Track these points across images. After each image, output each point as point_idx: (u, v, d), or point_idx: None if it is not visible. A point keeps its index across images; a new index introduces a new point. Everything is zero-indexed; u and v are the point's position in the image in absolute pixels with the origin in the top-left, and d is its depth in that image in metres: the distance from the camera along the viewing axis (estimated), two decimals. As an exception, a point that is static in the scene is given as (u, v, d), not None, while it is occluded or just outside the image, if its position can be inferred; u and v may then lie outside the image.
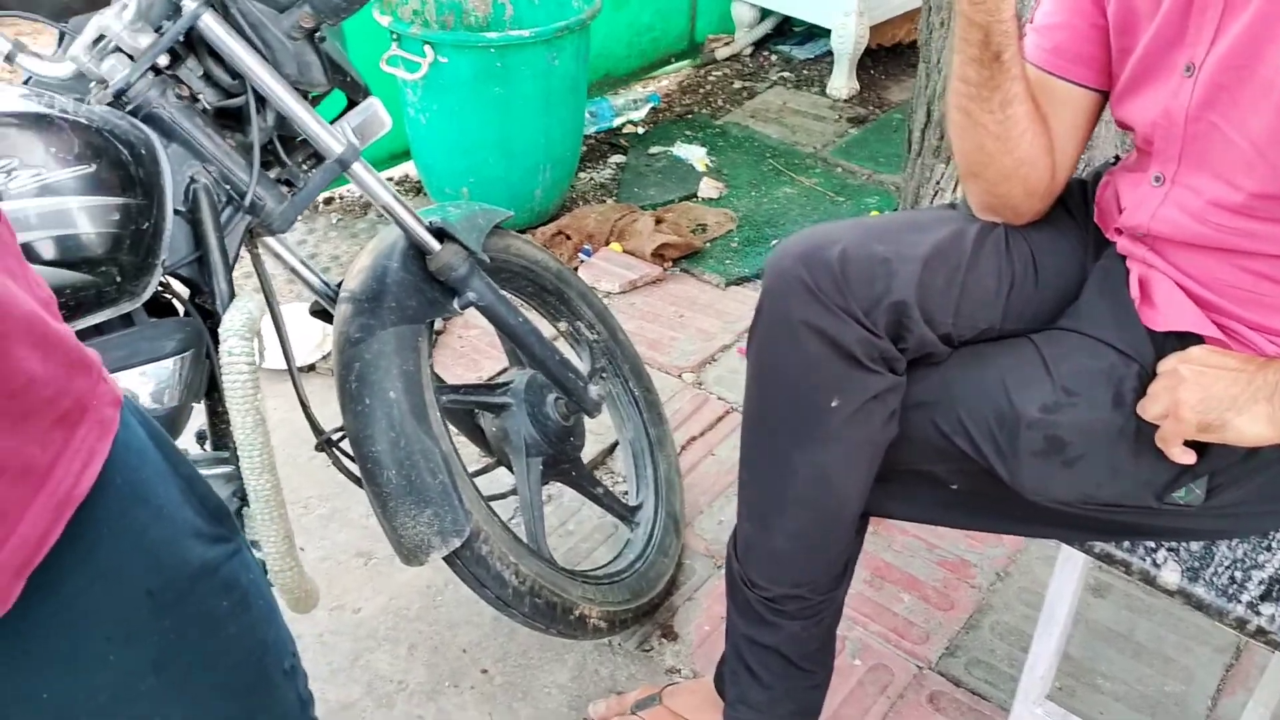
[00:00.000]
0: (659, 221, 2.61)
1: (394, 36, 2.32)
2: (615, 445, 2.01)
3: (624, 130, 3.13)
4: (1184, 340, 1.04)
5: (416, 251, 1.44)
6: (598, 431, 2.02)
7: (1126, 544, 1.12)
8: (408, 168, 2.81)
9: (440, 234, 1.44)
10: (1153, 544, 1.11)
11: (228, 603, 0.69)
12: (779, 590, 1.18)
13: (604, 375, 1.86)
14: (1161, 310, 1.07)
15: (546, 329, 1.82)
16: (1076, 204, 1.22)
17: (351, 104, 1.37)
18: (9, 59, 1.17)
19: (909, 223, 1.16)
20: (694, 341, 2.31)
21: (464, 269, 1.43)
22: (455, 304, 1.46)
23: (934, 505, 1.20)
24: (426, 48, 2.27)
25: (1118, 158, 1.25)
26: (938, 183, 2.32)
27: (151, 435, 0.67)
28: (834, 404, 1.09)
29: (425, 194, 2.70)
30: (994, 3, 0.99)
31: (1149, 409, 1.02)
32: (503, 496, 1.69)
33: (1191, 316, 1.05)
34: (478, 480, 1.64)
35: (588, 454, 2.00)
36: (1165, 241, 1.08)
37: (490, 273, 1.54)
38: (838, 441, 1.10)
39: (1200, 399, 0.97)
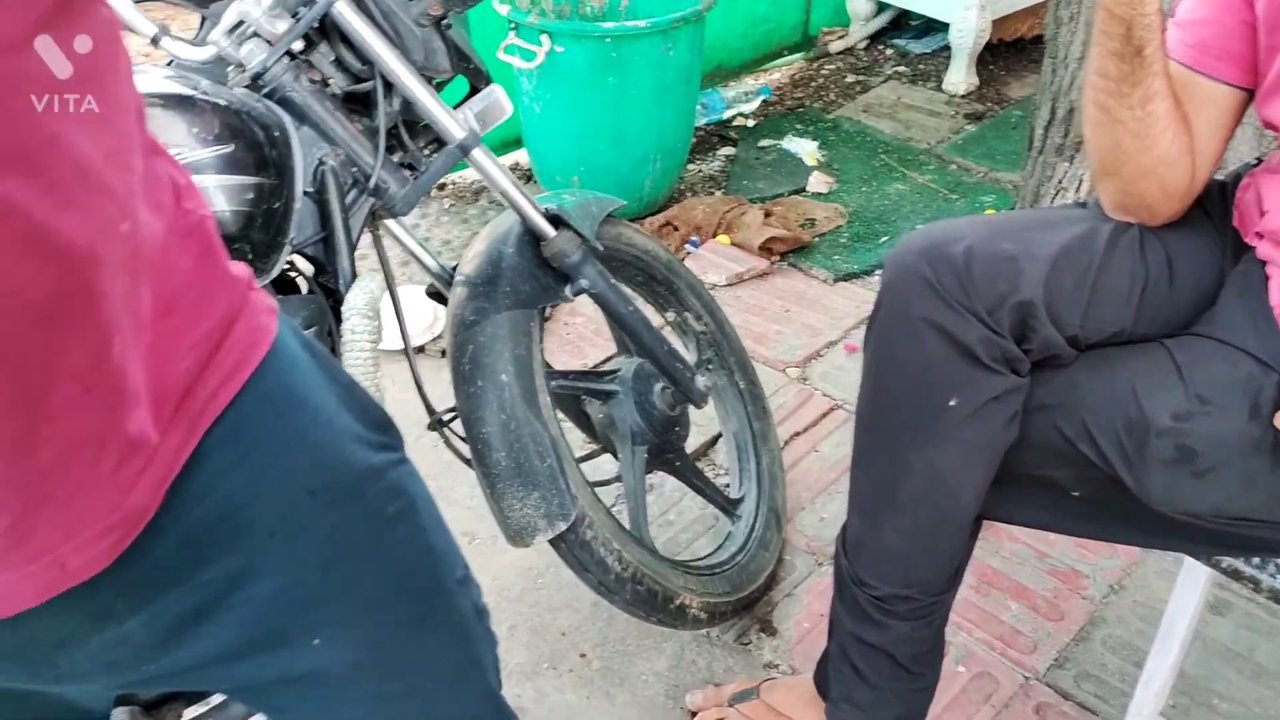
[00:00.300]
0: (767, 214, 2.59)
1: (511, 25, 2.35)
2: (718, 437, 2.01)
3: (734, 122, 3.12)
4: (1329, 351, 1.00)
5: (531, 237, 1.45)
6: (700, 423, 2.02)
7: (1256, 560, 1.07)
8: (519, 155, 2.85)
9: (555, 220, 1.45)
10: (1286, 562, 1.07)
11: (394, 507, 0.70)
12: (889, 590, 1.16)
13: (710, 367, 1.86)
14: (1306, 319, 1.02)
15: (654, 319, 1.83)
16: (1215, 206, 1.17)
17: (474, 90, 1.39)
18: (155, 41, 1.21)
19: (1037, 221, 1.13)
20: (800, 336, 2.29)
21: (577, 256, 1.44)
22: (568, 290, 1.47)
23: (1052, 511, 1.17)
24: (543, 37, 2.30)
25: (1260, 159, 1.19)
26: (1059, 182, 2.26)
27: (304, 345, 0.68)
28: (952, 403, 1.07)
29: (536, 181, 2.73)
30: None
31: (1290, 422, 0.97)
32: (606, 483, 1.70)
33: (1339, 326, 1.00)
34: (582, 466, 1.67)
35: (690, 445, 2.00)
36: (1312, 247, 1.03)
37: (602, 261, 1.55)
38: (955, 442, 1.08)
39: (1348, 413, 0.92)
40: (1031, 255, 1.06)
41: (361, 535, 0.68)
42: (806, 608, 1.70)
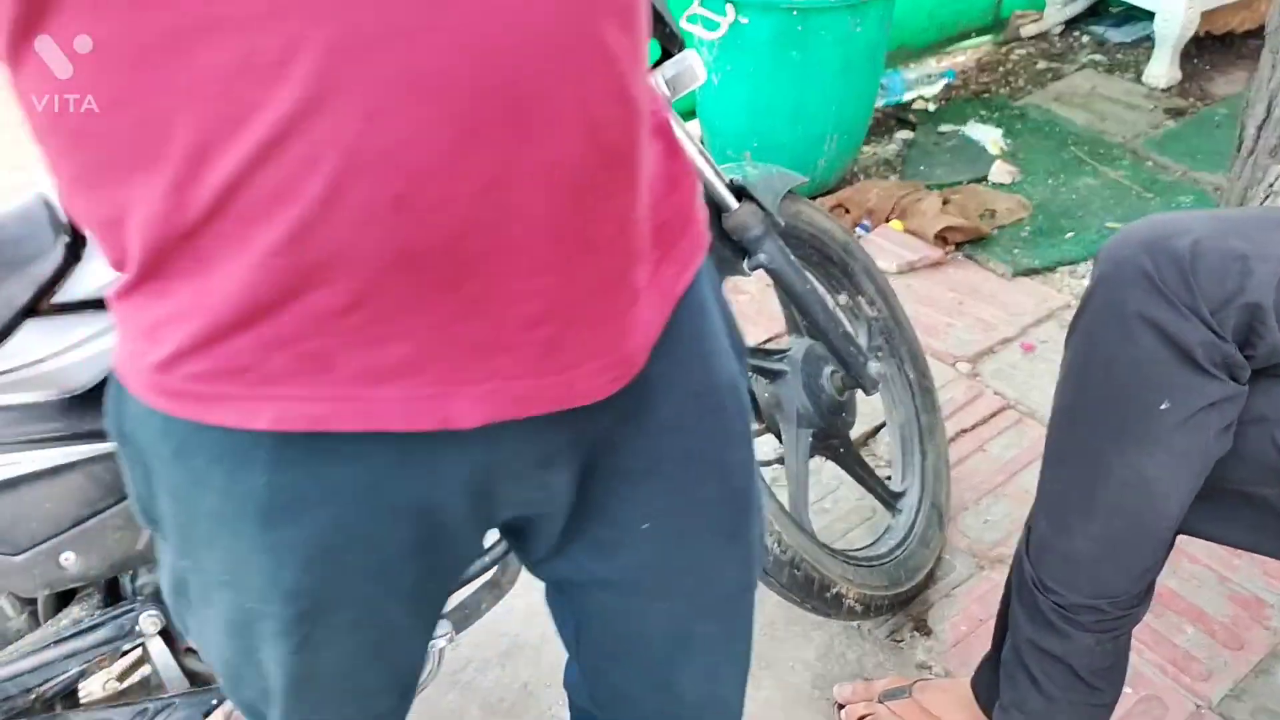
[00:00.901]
0: (945, 202, 2.51)
1: (698, -6, 2.32)
2: (881, 427, 1.95)
3: (914, 105, 3.02)
4: None
5: (713, 207, 1.43)
6: (864, 412, 1.96)
7: None
8: (692, 126, 2.83)
9: (739, 192, 1.43)
10: None
11: (741, 426, 0.77)
12: (1075, 599, 1.10)
13: (880, 354, 1.81)
14: None
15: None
16: None
17: (666, 54, 1.38)
18: None
19: (1274, 220, 1.05)
20: (972, 331, 2.21)
21: (759, 230, 1.42)
22: (745, 265, 1.45)
23: (1259, 532, 1.09)
24: (729, 7, 2.26)
25: None
26: (1270, 184, 2.10)
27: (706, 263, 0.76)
28: (1164, 407, 1.00)
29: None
30: None
31: None
32: (768, 464, 1.67)
33: None
34: (745, 444, 1.65)
35: (854, 432, 1.96)
36: None
37: (781, 237, 1.52)
38: (1163, 448, 1.01)
39: None
40: (1265, 255, 0.98)
41: (716, 445, 0.75)
42: (964, 611, 1.64)
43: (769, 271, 1.46)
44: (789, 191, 1.58)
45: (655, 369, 0.68)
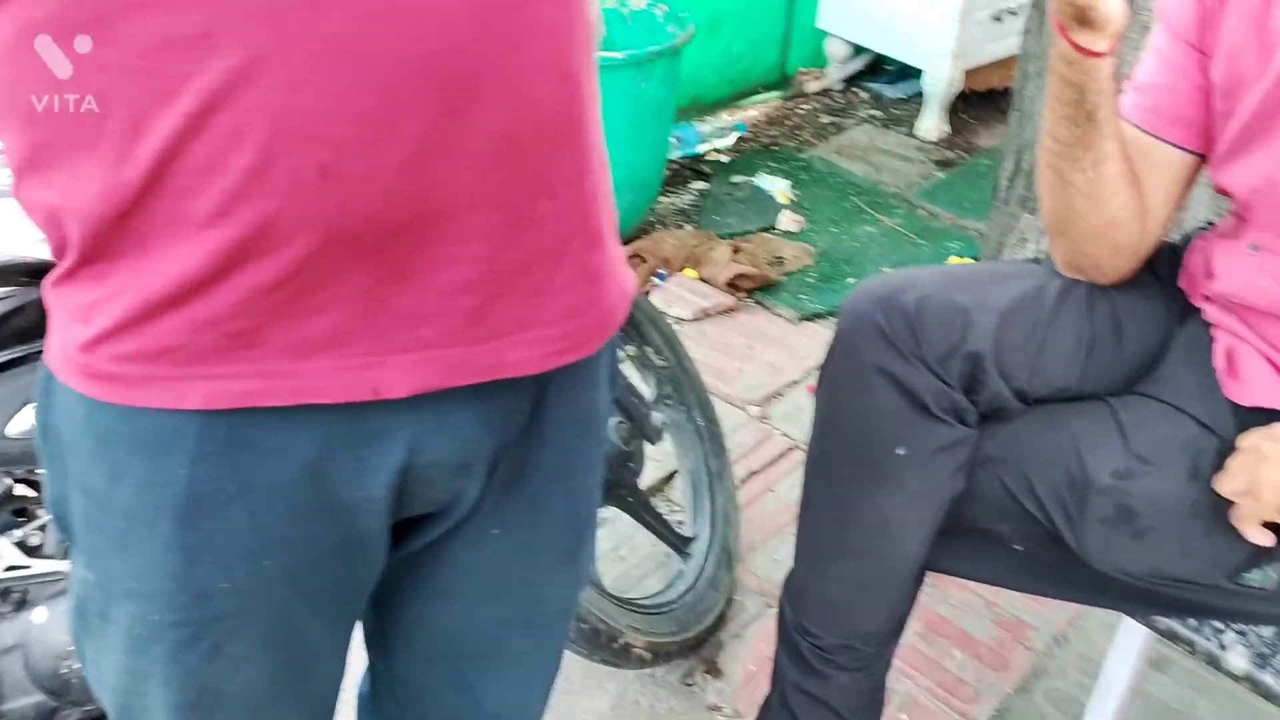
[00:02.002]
0: (736, 251, 2.60)
1: (488, 52, 2.35)
2: (674, 474, 2.00)
3: (708, 157, 3.14)
4: (1269, 417, 1.01)
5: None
6: (657, 459, 2.01)
7: (1193, 622, 1.08)
8: (491, 181, 2.84)
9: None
10: (1220, 625, 1.07)
11: (598, 455, 0.82)
12: (831, 639, 1.15)
13: (669, 402, 1.86)
14: (1248, 384, 1.03)
15: (614, 351, 1.83)
16: (1164, 268, 1.19)
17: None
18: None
19: (991, 274, 1.14)
20: (762, 375, 2.30)
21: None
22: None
23: (996, 566, 1.17)
24: (519, 65, 2.30)
25: (1210, 223, 1.21)
26: (1021, 232, 2.29)
27: None
28: (900, 452, 1.07)
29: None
30: (1091, 63, 0.97)
31: (1227, 485, 0.98)
32: (558, 516, 1.68)
33: (1279, 393, 1.01)
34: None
35: (646, 481, 1.99)
36: (1257, 313, 1.04)
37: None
38: (902, 491, 1.08)
39: (1283, 480, 0.93)
40: (983, 307, 1.07)
41: (577, 469, 0.79)
42: (754, 650, 1.69)
43: (548, 327, 1.48)
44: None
45: (555, 388, 0.71)
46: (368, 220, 0.57)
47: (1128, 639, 1.21)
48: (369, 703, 0.92)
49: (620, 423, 1.60)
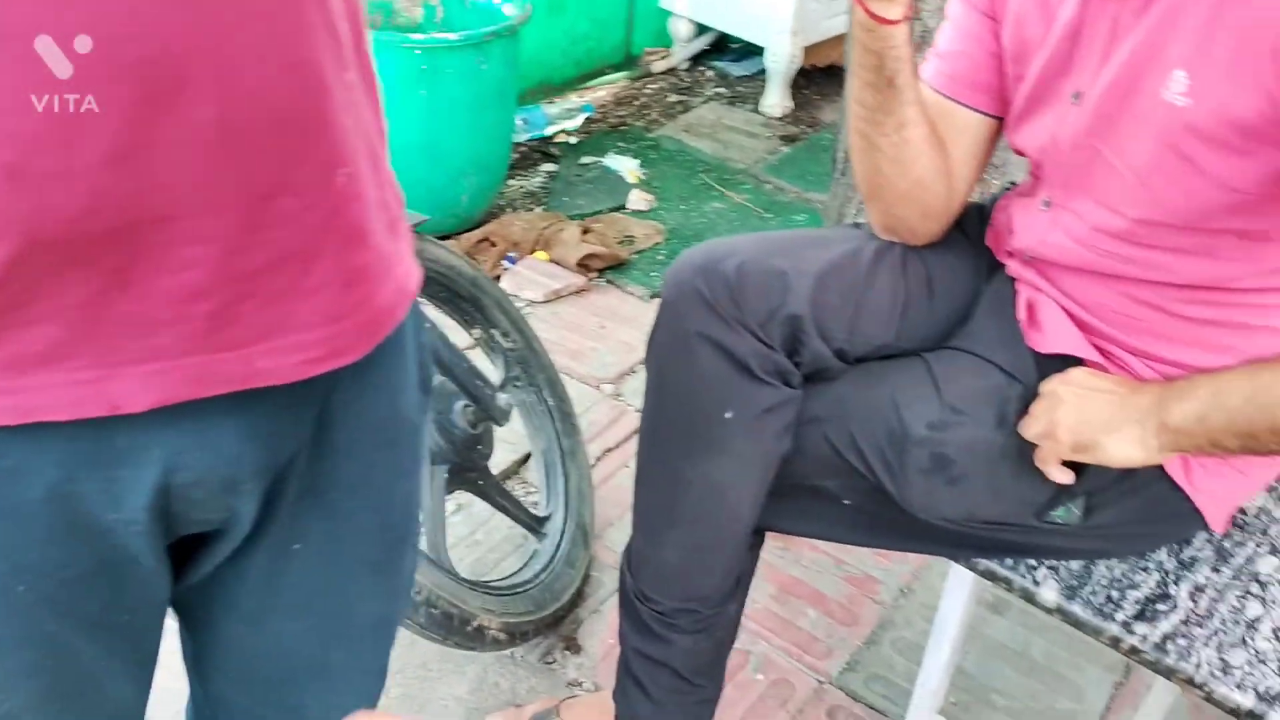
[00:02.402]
0: (586, 231, 2.61)
1: (319, 36, 2.29)
2: (529, 456, 2.00)
3: (556, 139, 3.13)
4: (1066, 363, 1.06)
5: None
6: (512, 441, 2.01)
7: (1009, 561, 1.13)
8: (333, 169, 2.77)
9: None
10: (1034, 562, 1.13)
11: (410, 464, 0.78)
12: (670, 604, 1.17)
13: (518, 384, 1.85)
14: (1046, 333, 1.09)
15: (461, 336, 1.81)
16: (973, 227, 1.24)
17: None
18: None
19: (808, 239, 1.18)
20: (615, 353, 2.31)
21: (369, 272, 1.41)
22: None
23: (827, 521, 1.21)
24: (351, 48, 2.25)
25: (1013, 183, 1.27)
26: (859, 203, 2.35)
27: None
28: (727, 416, 1.09)
29: (350, 196, 2.66)
30: (887, 30, 1.01)
31: (1029, 429, 1.03)
32: (407, 503, 1.66)
33: (1073, 339, 1.07)
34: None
35: (500, 464, 1.99)
36: (1052, 265, 1.10)
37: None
38: (731, 454, 1.11)
39: (1076, 420, 0.98)
40: (800, 271, 1.10)
41: (385, 479, 0.75)
42: (611, 624, 1.71)
43: (384, 313, 1.46)
44: (408, 231, 1.59)
45: (343, 396, 0.68)
46: (71, 224, 0.52)
47: (957, 584, 1.27)
48: None
49: (466, 406, 1.59)
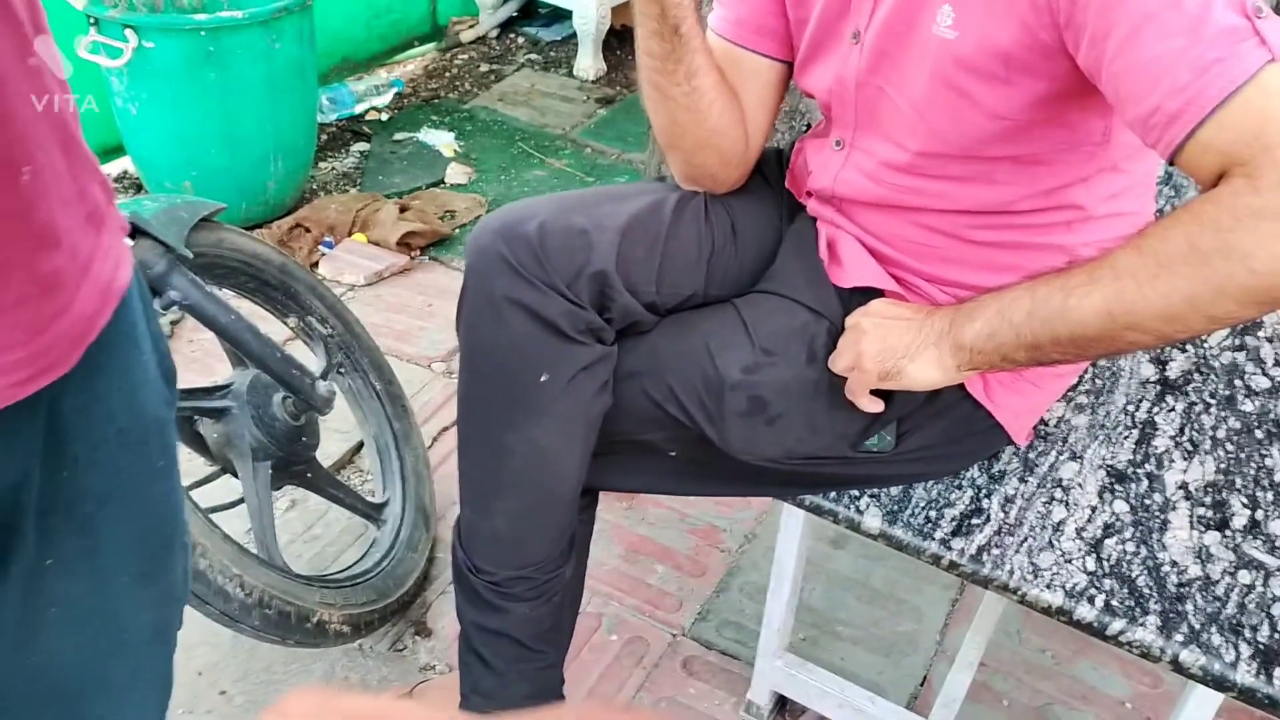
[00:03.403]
0: (404, 209, 2.54)
1: (91, 20, 2.15)
2: (362, 443, 1.94)
3: (367, 117, 3.03)
4: (868, 295, 1.09)
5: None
6: (344, 430, 1.95)
7: (833, 495, 1.16)
8: (125, 163, 2.62)
9: (135, 231, 1.34)
10: (856, 492, 1.16)
11: (164, 462, 0.74)
12: (504, 573, 1.16)
13: (342, 370, 1.79)
14: (846, 268, 1.11)
15: (276, 327, 1.74)
16: (773, 171, 1.26)
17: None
18: None
19: (608, 195, 1.17)
20: (444, 330, 2.26)
21: (161, 266, 1.33)
22: (156, 304, 1.36)
23: (656, 474, 1.21)
24: (128, 32, 2.11)
25: (809, 125, 1.29)
26: (676, 159, 2.37)
27: (137, 281, 0.70)
28: (544, 379, 1.08)
29: (146, 190, 2.52)
30: None
31: (837, 362, 1.06)
32: (232, 506, 1.59)
33: (872, 272, 1.10)
34: (202, 490, 1.55)
35: (335, 454, 1.93)
36: (848, 202, 1.13)
37: (200, 269, 1.45)
38: (551, 417, 1.09)
39: (879, 349, 1.01)
40: (602, 227, 1.09)
41: (137, 483, 0.71)
42: (460, 602, 1.68)
43: (183, 308, 1.38)
44: (205, 219, 1.51)
45: (73, 403, 0.64)
46: None
47: (791, 523, 1.30)
48: None
49: (284, 398, 1.52)
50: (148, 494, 0.73)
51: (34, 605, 0.69)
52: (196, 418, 1.51)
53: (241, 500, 1.57)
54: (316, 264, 2.39)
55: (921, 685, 1.57)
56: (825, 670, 1.44)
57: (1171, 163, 0.83)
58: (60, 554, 0.68)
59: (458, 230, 2.57)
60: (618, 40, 3.47)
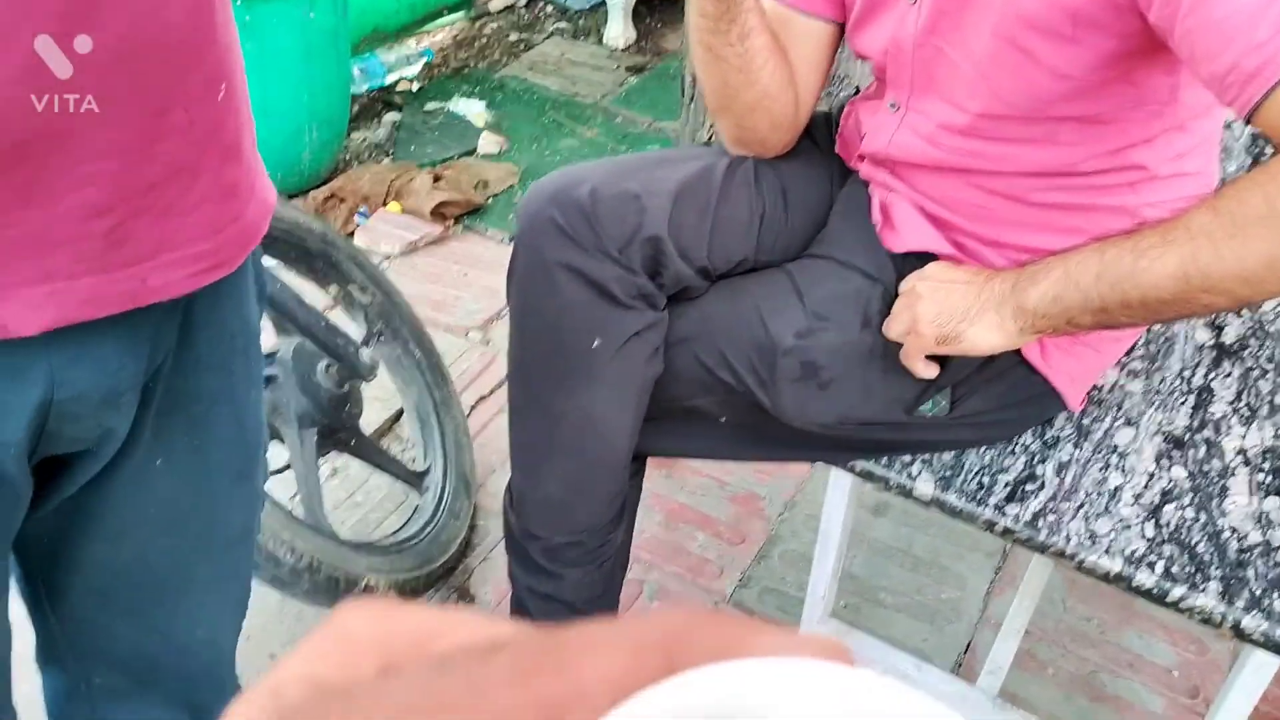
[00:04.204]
0: (437, 179, 2.54)
1: (128, -9, 2.14)
2: (401, 412, 1.95)
3: (398, 87, 3.02)
4: (923, 260, 1.08)
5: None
6: (383, 398, 1.96)
7: (885, 460, 1.16)
8: (162, 135, 2.62)
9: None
10: (908, 458, 1.15)
11: (258, 369, 0.80)
12: (557, 539, 1.16)
13: (382, 339, 1.80)
14: (900, 232, 1.10)
15: (319, 296, 1.74)
16: (822, 135, 1.24)
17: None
18: None
19: (658, 159, 1.16)
20: (480, 299, 2.26)
21: (208, 234, 1.34)
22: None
23: (706, 439, 1.21)
24: (165, 2, 2.11)
25: (858, 88, 1.28)
26: (710, 127, 2.35)
27: None
28: (595, 345, 1.07)
29: (183, 162, 2.53)
30: None
31: (892, 327, 1.05)
32: (278, 472, 1.60)
33: (928, 236, 1.09)
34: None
35: (375, 422, 1.93)
36: (902, 165, 1.11)
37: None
38: (602, 383, 1.09)
39: (936, 313, 1.00)
40: (654, 192, 1.08)
41: (240, 387, 0.77)
42: (502, 570, 1.67)
43: (229, 276, 1.39)
44: (246, 189, 1.51)
45: (202, 308, 0.69)
46: None
47: (837, 488, 1.29)
48: (51, 673, 0.87)
49: (329, 366, 1.53)
50: (246, 398, 0.79)
51: (138, 504, 0.74)
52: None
53: (287, 467, 1.58)
54: (352, 234, 2.39)
55: (965, 652, 1.56)
56: (870, 637, 1.44)
57: (1248, 121, 0.81)
58: (170, 454, 0.73)
59: (491, 200, 2.56)
60: (647, 8, 3.44)
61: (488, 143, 2.78)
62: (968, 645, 1.57)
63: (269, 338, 1.95)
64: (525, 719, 0.16)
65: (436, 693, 0.16)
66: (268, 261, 1.55)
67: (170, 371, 0.70)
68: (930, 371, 1.05)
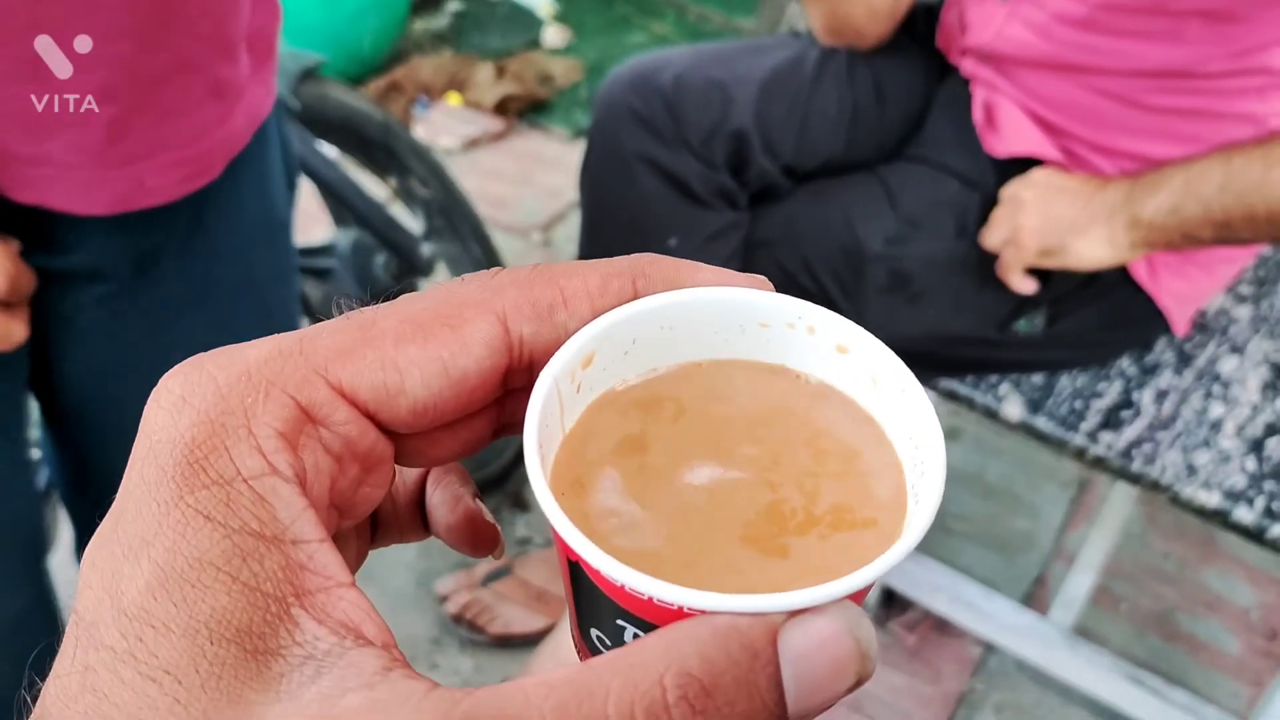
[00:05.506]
0: (500, 72, 2.45)
1: None
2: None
3: (461, -25, 2.92)
4: (1026, 166, 1.00)
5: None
6: (440, 296, 1.92)
7: (970, 379, 1.09)
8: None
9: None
10: (995, 378, 1.09)
11: (287, 265, 0.80)
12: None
13: (441, 235, 1.74)
14: (1004, 134, 1.01)
15: (378, 188, 1.69)
16: (922, 28, 1.15)
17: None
18: None
19: (746, 48, 1.08)
20: (541, 199, 2.20)
21: (267, 116, 1.29)
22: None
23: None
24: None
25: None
26: (791, 23, 2.24)
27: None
28: (672, 243, 1.01)
29: (243, 47, 2.47)
30: None
31: (991, 237, 0.97)
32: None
33: (1034, 139, 1.00)
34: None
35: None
36: (1010, 61, 1.02)
37: (304, 123, 1.40)
38: (676, 286, 1.03)
39: (1041, 223, 0.93)
40: (741, 81, 1.01)
41: (265, 280, 0.77)
42: (558, 474, 1.66)
43: (288, 161, 1.34)
44: (307, 73, 1.45)
45: (214, 205, 0.68)
46: None
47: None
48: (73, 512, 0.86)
49: (387, 260, 1.49)
50: (273, 293, 0.78)
51: (153, 343, 0.73)
52: (300, 277, 1.48)
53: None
54: (409, 126, 2.33)
55: (1035, 584, 1.51)
56: (937, 563, 1.39)
57: None
58: (195, 347, 0.69)
59: (555, 95, 2.48)
60: (723, -102, 3.28)
61: (553, 35, 2.68)
62: (1038, 577, 1.52)
63: (326, 228, 1.91)
64: (525, 313, 0.23)
65: (458, 293, 0.23)
66: (328, 151, 1.50)
67: (179, 253, 0.68)
68: (1029, 286, 0.97)
